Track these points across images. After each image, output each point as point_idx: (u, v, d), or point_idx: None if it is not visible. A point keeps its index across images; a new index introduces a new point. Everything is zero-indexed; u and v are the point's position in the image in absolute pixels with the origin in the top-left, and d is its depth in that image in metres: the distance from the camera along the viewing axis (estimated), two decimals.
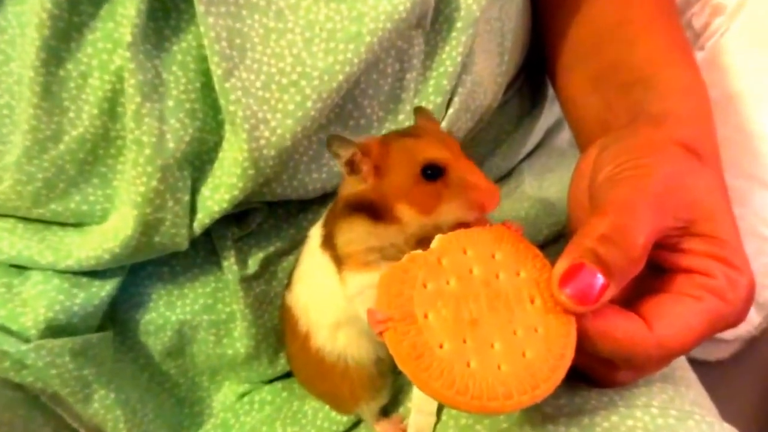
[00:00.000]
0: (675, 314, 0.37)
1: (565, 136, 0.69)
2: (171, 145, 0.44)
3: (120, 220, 0.45)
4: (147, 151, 0.43)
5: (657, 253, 0.39)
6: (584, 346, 0.36)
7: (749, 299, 0.38)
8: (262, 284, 0.51)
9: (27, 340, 0.46)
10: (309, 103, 0.44)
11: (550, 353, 0.35)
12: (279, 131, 0.44)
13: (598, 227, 0.36)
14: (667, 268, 0.39)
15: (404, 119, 0.50)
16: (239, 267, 0.49)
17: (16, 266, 0.48)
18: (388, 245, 0.39)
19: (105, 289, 0.48)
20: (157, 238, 0.45)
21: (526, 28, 0.59)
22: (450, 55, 0.49)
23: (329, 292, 0.41)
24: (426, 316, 0.35)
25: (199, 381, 0.54)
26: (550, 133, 0.68)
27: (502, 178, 0.61)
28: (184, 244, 0.46)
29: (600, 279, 0.34)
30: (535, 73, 0.64)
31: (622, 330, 0.36)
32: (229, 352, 0.52)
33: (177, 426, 0.52)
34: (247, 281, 0.50)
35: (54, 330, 0.46)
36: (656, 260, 0.39)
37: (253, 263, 0.50)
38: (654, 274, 0.40)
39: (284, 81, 0.45)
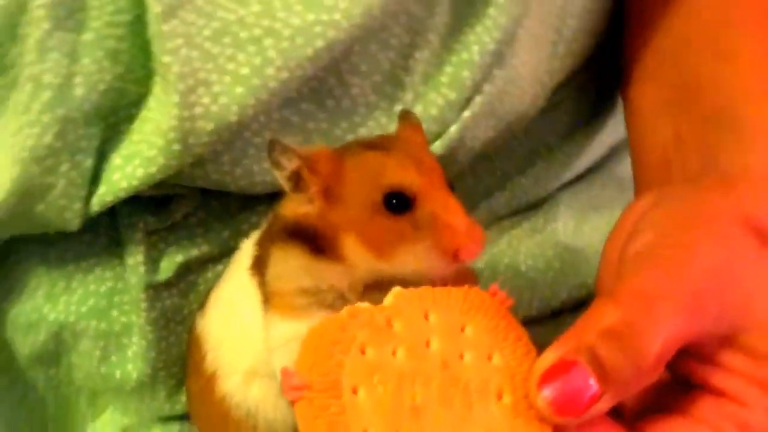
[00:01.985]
0: None
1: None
2: (80, 91, 0.45)
3: None
4: (47, 95, 0.45)
5: (686, 363, 0.40)
6: None
7: None
8: (174, 296, 0.52)
9: None
10: (270, 70, 0.46)
11: None
12: (223, 100, 0.45)
13: (604, 318, 0.37)
14: (695, 383, 0.41)
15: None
16: (147, 269, 0.51)
17: None
18: (327, 288, 0.40)
19: None
20: (40, 208, 0.47)
21: (598, 11, 0.60)
22: (480, 37, 0.50)
23: (249, 330, 0.43)
24: (355, 392, 0.36)
25: (74, 402, 0.56)
26: (612, 156, 0.69)
27: (529, 209, 0.62)
28: (74, 223, 0.48)
29: (593, 386, 0.36)
30: (603, 74, 0.65)
31: None
32: (117, 374, 0.54)
33: None
34: (155, 289, 0.52)
35: None
36: (683, 371, 0.41)
37: (167, 267, 0.52)
38: (678, 387, 0.41)
39: (243, 35, 0.46)
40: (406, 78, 0.51)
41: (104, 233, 0.52)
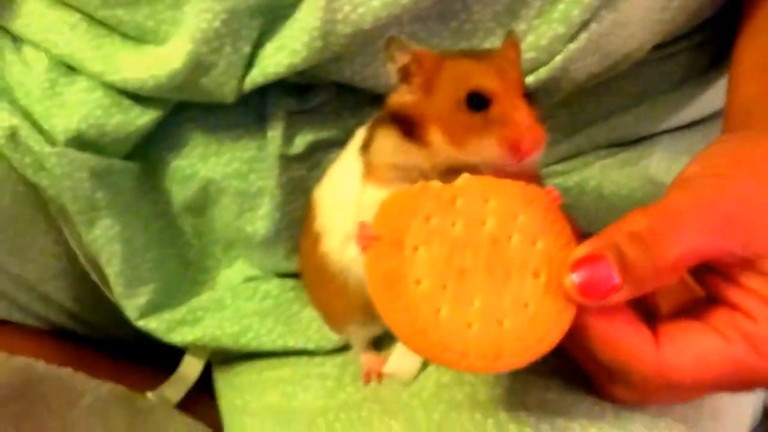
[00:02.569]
0: (692, 345, 0.44)
1: None
2: None
3: (175, 50, 0.57)
4: None
5: (710, 278, 0.45)
6: (582, 344, 0.44)
7: None
8: (302, 169, 0.62)
9: (53, 144, 0.60)
10: None
11: (530, 332, 0.43)
12: (360, 10, 0.54)
13: (634, 223, 0.43)
14: (716, 297, 0.46)
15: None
16: (283, 142, 0.61)
17: (67, 66, 0.63)
18: (413, 167, 0.47)
19: (143, 118, 0.61)
20: (205, 80, 0.57)
21: None
22: None
23: (351, 198, 0.51)
24: (415, 249, 0.43)
25: (212, 250, 0.67)
26: (719, 116, 0.73)
27: (628, 144, 0.68)
28: (230, 97, 0.58)
29: (615, 278, 0.41)
30: (724, 39, 0.69)
31: (624, 340, 0.43)
32: (248, 229, 0.64)
33: (173, 285, 0.66)
34: (287, 160, 0.61)
35: (81, 142, 0.60)
36: (707, 285, 0.46)
37: (300, 143, 0.61)
38: (701, 300, 0.47)
39: None
40: (523, 10, 0.57)
41: (254, 109, 0.62)
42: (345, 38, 0.55)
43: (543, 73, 0.58)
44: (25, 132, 0.59)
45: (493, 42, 0.58)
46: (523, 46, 0.57)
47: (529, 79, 0.58)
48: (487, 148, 0.44)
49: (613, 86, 0.65)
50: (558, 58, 0.58)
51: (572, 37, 0.57)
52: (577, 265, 0.42)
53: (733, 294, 0.44)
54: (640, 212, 0.43)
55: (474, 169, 0.45)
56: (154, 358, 0.71)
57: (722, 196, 0.43)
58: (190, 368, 0.68)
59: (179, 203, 0.65)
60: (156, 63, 0.58)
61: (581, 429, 0.48)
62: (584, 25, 0.57)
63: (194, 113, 0.63)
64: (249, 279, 0.66)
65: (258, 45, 0.57)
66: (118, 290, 0.63)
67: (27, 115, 0.61)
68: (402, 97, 0.48)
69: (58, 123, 0.60)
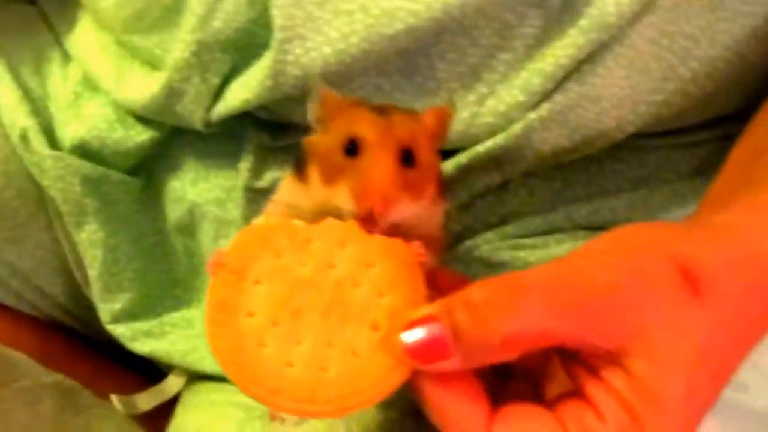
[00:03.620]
0: (524, 430, 0.41)
1: None
2: (217, 24, 0.58)
3: (159, 76, 0.62)
4: (192, 21, 0.58)
5: (571, 366, 0.42)
6: (418, 404, 0.43)
7: None
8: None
9: (58, 148, 0.66)
10: (354, 39, 0.55)
11: (351, 382, 0.42)
12: (312, 54, 0.55)
13: (474, 291, 0.41)
14: (577, 388, 0.43)
15: (475, 101, 0.57)
16: (251, 175, 0.63)
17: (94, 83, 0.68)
18: (296, 205, 0.48)
19: (141, 136, 0.65)
20: (178, 107, 0.61)
21: (726, 60, 0.59)
22: (557, 52, 0.55)
23: None
24: (257, 282, 0.44)
25: (201, 270, 0.70)
26: None
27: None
28: (198, 125, 0.61)
29: (445, 343, 0.40)
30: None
31: (453, 411, 0.41)
32: None
33: (152, 298, 0.69)
34: (253, 192, 0.63)
35: (84, 151, 0.66)
36: (569, 373, 0.43)
37: (268, 178, 0.63)
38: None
39: (342, 6, 0.55)
40: (486, 74, 0.56)
41: (237, 141, 0.65)
42: (294, 80, 0.56)
43: (500, 139, 0.57)
44: (33, 134, 0.65)
45: (448, 97, 0.57)
46: (483, 109, 0.57)
47: (487, 144, 0.57)
48: (342, 194, 0.44)
49: (608, 167, 0.63)
50: (516, 126, 0.56)
51: (534, 106, 0.56)
52: (411, 324, 0.41)
53: (589, 387, 0.41)
54: (484, 281, 0.41)
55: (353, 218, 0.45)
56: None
57: (581, 280, 0.40)
58: (171, 385, 0.71)
59: (172, 222, 0.68)
60: (145, 86, 0.62)
61: None
62: (547, 95, 0.56)
63: (189, 139, 0.66)
64: None
65: (228, 79, 0.60)
66: (95, 292, 0.67)
67: (45, 120, 0.67)
68: (311, 138, 0.49)
69: (69, 131, 0.66)
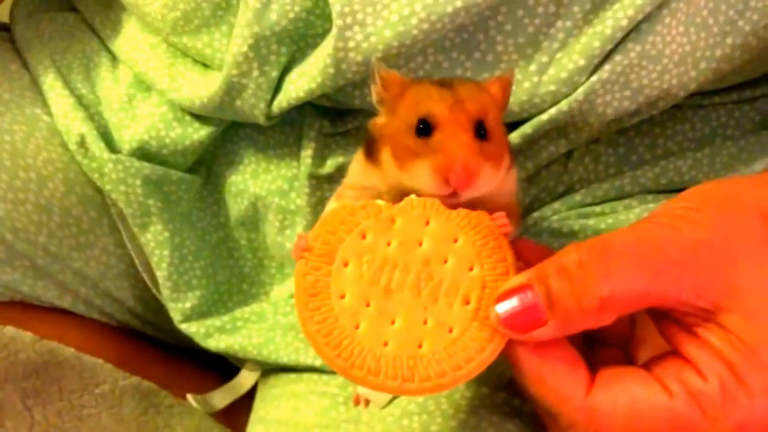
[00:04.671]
0: (627, 393, 0.40)
1: None
2: (273, 16, 0.57)
3: (215, 74, 0.62)
4: (248, 15, 0.57)
5: (667, 326, 0.42)
6: (515, 376, 0.43)
7: (742, 429, 0.40)
8: (332, 189, 0.63)
9: (117, 152, 0.66)
10: (414, 20, 0.54)
11: (448, 358, 0.42)
12: (373, 39, 0.55)
13: (565, 256, 0.41)
14: (673, 348, 0.42)
15: (535, 70, 0.57)
16: (313, 162, 0.63)
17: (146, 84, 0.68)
18: (370, 187, 0.47)
19: (199, 133, 0.65)
20: (238, 103, 0.60)
21: None
22: (616, 14, 0.54)
23: None
24: (345, 264, 0.44)
25: (267, 265, 0.70)
26: None
27: (677, 192, 0.63)
28: (261, 118, 0.61)
29: (540, 310, 0.40)
30: None
31: (552, 378, 0.41)
32: (288, 245, 0.66)
33: (221, 294, 0.69)
34: (317, 179, 0.63)
35: (144, 153, 0.65)
36: (664, 334, 0.43)
37: (331, 164, 0.63)
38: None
39: None
40: (545, 42, 0.56)
41: (297, 130, 0.65)
42: (356, 66, 0.56)
43: (564, 106, 0.56)
44: (91, 139, 0.65)
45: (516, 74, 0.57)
46: (545, 78, 0.57)
47: (551, 112, 0.57)
48: (421, 175, 0.43)
49: (671, 128, 0.62)
50: (579, 91, 0.56)
51: (595, 70, 0.55)
52: (506, 294, 0.41)
53: (687, 346, 0.41)
54: (574, 246, 0.41)
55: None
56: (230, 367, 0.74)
57: (671, 238, 0.40)
58: (244, 381, 0.71)
59: (234, 217, 0.69)
60: (203, 85, 0.62)
61: None
62: (607, 57, 0.55)
63: (248, 132, 0.66)
64: (293, 296, 0.68)
65: (286, 71, 0.60)
66: (165, 293, 0.67)
67: (102, 125, 0.67)
68: (378, 119, 0.49)
69: (126, 133, 0.66)
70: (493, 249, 0.44)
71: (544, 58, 0.56)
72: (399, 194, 0.45)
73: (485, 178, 0.43)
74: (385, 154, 0.46)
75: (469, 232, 0.44)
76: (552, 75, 0.56)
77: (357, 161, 0.50)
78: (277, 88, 0.60)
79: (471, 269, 0.43)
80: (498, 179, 0.45)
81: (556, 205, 0.62)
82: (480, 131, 0.44)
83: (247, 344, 0.65)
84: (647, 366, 0.42)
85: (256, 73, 0.59)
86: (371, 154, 0.47)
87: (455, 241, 0.44)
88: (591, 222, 0.60)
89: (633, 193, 0.62)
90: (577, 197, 0.62)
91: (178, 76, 0.65)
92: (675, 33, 0.55)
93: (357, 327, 0.43)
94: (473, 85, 0.47)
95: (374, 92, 0.48)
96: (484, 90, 0.47)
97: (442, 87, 0.46)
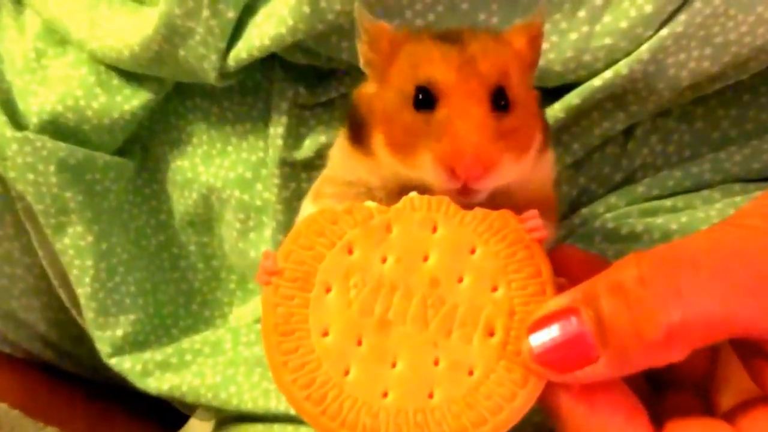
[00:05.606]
0: None
1: None
2: None
3: (150, 13, 0.60)
4: None
5: (756, 364, 0.42)
6: (555, 429, 0.42)
7: None
8: (313, 178, 0.63)
9: (23, 128, 0.65)
10: None
11: (468, 409, 0.42)
12: None
13: (621, 271, 0.40)
14: (764, 391, 0.42)
15: (586, 17, 0.56)
16: (286, 143, 0.62)
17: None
18: (356, 181, 0.47)
19: (131, 102, 0.65)
20: (182, 52, 0.59)
21: None
22: None
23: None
24: (328, 290, 0.44)
25: (225, 279, 0.70)
26: None
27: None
28: (212, 76, 0.60)
29: (588, 341, 0.39)
30: None
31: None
32: (252, 254, 0.66)
33: (163, 318, 0.69)
34: (291, 166, 0.63)
35: (57, 128, 0.65)
36: (754, 374, 0.42)
37: (310, 146, 0.63)
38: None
39: None
40: None
41: (263, 99, 0.64)
42: (341, 3, 0.55)
43: (623, 68, 0.56)
44: None
45: (557, 23, 0.57)
46: (598, 28, 0.56)
47: (606, 76, 0.57)
48: (424, 169, 0.43)
49: (765, 95, 0.62)
50: (644, 48, 0.55)
51: (667, 20, 0.55)
52: (541, 323, 0.41)
53: None
54: (634, 256, 0.41)
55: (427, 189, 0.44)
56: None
57: (763, 246, 0.40)
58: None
59: (180, 215, 0.69)
60: (134, 28, 0.61)
61: None
62: (683, 3, 0.55)
63: (197, 101, 0.66)
64: (259, 320, 0.68)
65: (248, 11, 0.59)
66: (89, 316, 0.66)
67: (2, 91, 0.66)
68: (364, 88, 0.48)
69: (33, 102, 0.65)
70: (523, 261, 0.44)
71: (598, 1, 0.56)
72: (397, 190, 0.45)
73: (506, 168, 0.43)
74: (377, 138, 0.45)
75: (490, 239, 0.44)
76: (608, 24, 0.56)
77: (339, 146, 0.49)
78: (235, 34, 0.59)
79: (495, 290, 0.43)
80: (525, 167, 0.45)
81: (613, 199, 0.62)
82: (499, 101, 0.43)
83: (198, 385, 0.65)
84: (731, 417, 0.42)
85: (206, 12, 0.58)
86: (357, 136, 0.47)
87: (472, 252, 0.44)
88: (659, 221, 0.60)
89: (714, 182, 0.62)
90: (641, 188, 0.61)
91: (102, 19, 0.64)
92: None
93: (346, 373, 0.43)
94: (489, 38, 0.46)
95: (360, 51, 0.47)
96: (505, 44, 0.46)
97: (446, 42, 0.45)
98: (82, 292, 0.66)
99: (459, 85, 0.42)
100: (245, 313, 0.69)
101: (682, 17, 0.55)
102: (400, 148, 0.43)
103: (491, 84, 0.43)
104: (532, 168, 0.45)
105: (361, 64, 0.47)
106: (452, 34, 0.45)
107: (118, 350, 0.67)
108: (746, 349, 0.42)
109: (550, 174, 0.49)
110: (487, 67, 0.43)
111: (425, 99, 0.43)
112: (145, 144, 0.68)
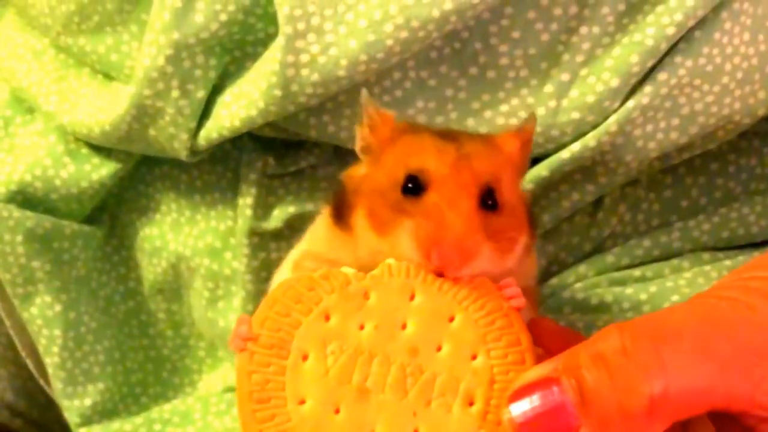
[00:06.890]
0: None
1: None
2: (199, 19, 0.56)
3: (122, 92, 0.60)
4: (166, 17, 0.56)
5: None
6: None
7: None
8: (281, 250, 0.63)
9: None
10: (388, 27, 0.53)
11: None
12: (333, 51, 0.54)
13: (605, 341, 0.40)
14: None
15: (553, 92, 0.56)
16: (255, 213, 0.62)
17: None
18: (335, 258, 0.47)
19: (100, 171, 0.64)
20: (152, 132, 0.60)
21: None
22: (658, 19, 0.54)
23: None
24: (305, 358, 0.43)
25: (194, 345, 0.69)
26: None
27: (740, 248, 0.63)
28: (182, 153, 0.60)
29: (570, 415, 0.39)
30: None
31: None
32: (221, 323, 0.66)
33: (132, 386, 0.68)
34: (260, 236, 0.62)
35: (26, 198, 0.64)
36: None
37: (279, 216, 0.62)
38: None
39: None
40: (566, 55, 0.56)
41: (231, 169, 0.64)
42: (313, 87, 0.55)
43: (591, 140, 0.56)
44: None
45: (525, 98, 0.57)
46: (565, 102, 0.56)
47: (574, 149, 0.57)
48: (402, 243, 0.43)
49: (733, 163, 0.62)
50: (611, 120, 0.56)
51: (631, 92, 0.56)
52: (522, 392, 0.40)
53: None
54: (616, 326, 0.41)
55: None
56: None
57: (745, 319, 0.40)
58: None
59: (149, 283, 0.68)
60: (105, 106, 0.61)
61: None
62: (648, 75, 0.55)
63: (166, 170, 0.66)
64: (229, 389, 0.67)
65: (217, 90, 0.59)
66: (57, 385, 0.65)
67: None
68: (356, 170, 0.48)
69: (1, 172, 0.65)
70: (503, 329, 0.44)
71: (565, 76, 0.56)
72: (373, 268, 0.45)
73: (485, 262, 0.43)
74: (359, 216, 0.46)
75: (469, 307, 0.44)
76: (575, 99, 0.56)
77: (322, 225, 0.49)
78: (204, 113, 0.59)
79: (474, 358, 0.43)
80: (506, 265, 0.45)
81: (582, 268, 0.62)
82: (487, 200, 0.44)
83: None
84: None
85: (176, 93, 0.58)
86: (340, 214, 0.47)
87: (451, 320, 0.44)
88: (628, 291, 0.60)
89: (684, 250, 0.62)
90: (610, 258, 0.62)
91: (71, 93, 0.64)
92: (738, 42, 0.55)
93: None
94: (483, 141, 0.47)
95: (359, 136, 0.48)
96: (497, 146, 0.47)
97: (442, 137, 0.46)
98: (50, 361, 0.65)
99: (451, 176, 0.43)
100: (215, 380, 0.68)
101: (647, 89, 0.55)
102: (379, 223, 0.44)
103: (482, 182, 0.43)
104: (518, 265, 0.46)
105: (357, 147, 0.48)
106: (450, 133, 0.46)
107: (87, 420, 0.66)
108: (724, 421, 0.42)
109: (534, 269, 0.50)
110: (480, 166, 0.44)
111: (414, 186, 0.43)
112: (113, 211, 0.67)
